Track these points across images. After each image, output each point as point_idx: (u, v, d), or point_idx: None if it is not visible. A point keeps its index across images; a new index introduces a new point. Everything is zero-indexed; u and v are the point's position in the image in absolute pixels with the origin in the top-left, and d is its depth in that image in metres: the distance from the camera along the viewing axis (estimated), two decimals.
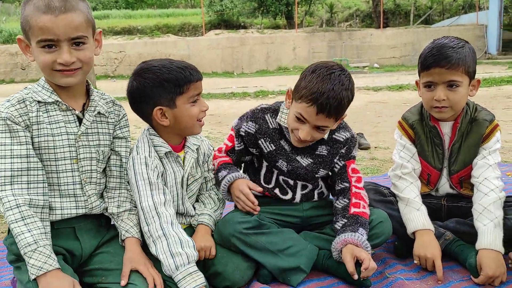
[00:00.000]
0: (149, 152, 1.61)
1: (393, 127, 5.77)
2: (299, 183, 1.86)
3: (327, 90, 1.59)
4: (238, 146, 1.85)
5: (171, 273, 1.45)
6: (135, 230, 1.58)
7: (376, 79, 12.05)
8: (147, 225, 1.51)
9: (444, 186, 1.95)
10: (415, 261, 1.74)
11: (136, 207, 1.59)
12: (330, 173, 1.90)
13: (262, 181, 1.87)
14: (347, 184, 1.82)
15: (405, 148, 1.96)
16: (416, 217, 1.79)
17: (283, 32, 19.17)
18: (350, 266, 1.56)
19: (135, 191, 1.56)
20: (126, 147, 1.66)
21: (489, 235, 1.66)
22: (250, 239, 1.63)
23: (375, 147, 4.19)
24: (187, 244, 1.48)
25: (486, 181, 1.78)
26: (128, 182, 1.64)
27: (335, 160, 1.83)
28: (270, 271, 1.64)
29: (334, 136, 1.81)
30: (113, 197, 1.63)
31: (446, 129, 1.90)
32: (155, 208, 1.52)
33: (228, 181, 1.76)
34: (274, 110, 1.83)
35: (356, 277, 1.55)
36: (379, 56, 18.17)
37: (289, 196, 1.86)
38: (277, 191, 1.86)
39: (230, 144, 1.87)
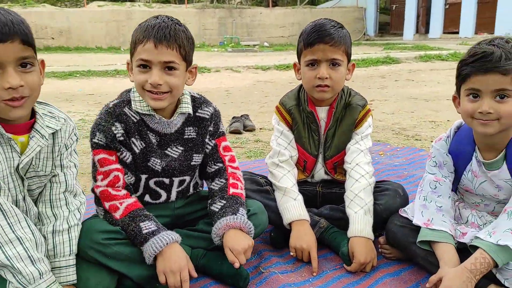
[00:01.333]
0: None
1: None
2: (176, 180, 1.67)
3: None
4: (125, 157, 1.55)
5: (28, 285, 1.22)
6: None
7: (265, 58, 12.20)
8: None
9: (320, 172, 1.93)
10: (291, 253, 1.70)
11: None
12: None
13: None
14: (221, 165, 1.70)
15: (283, 135, 1.90)
16: (293, 208, 1.74)
17: (172, 7, 18.52)
18: (230, 255, 1.46)
19: None
20: None
21: (359, 223, 1.67)
22: (111, 249, 1.42)
23: (260, 129, 4.17)
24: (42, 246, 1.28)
25: (358, 167, 1.80)
26: None
27: (206, 141, 1.69)
28: (135, 281, 1.47)
29: (197, 114, 1.66)
30: None
31: (322, 114, 1.88)
32: None
33: (161, 246, 1.41)
34: (127, 102, 1.57)
35: (237, 265, 1.44)
36: (268, 34, 18.47)
37: (163, 198, 1.68)
38: (147, 197, 1.66)
39: (115, 167, 1.51)
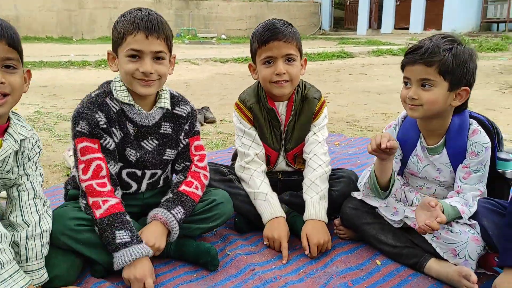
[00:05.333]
0: None
1: None
2: (148, 173, 1.73)
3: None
4: (108, 143, 1.59)
5: None
6: None
7: (223, 50, 12.24)
8: None
9: (281, 164, 2.05)
10: (264, 242, 1.81)
11: None
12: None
13: None
14: (188, 163, 1.79)
15: (246, 134, 1.98)
16: (265, 210, 1.83)
17: None
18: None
19: None
20: None
21: (314, 207, 1.81)
22: (83, 236, 1.49)
23: (221, 121, 4.26)
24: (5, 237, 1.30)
25: (315, 157, 1.93)
26: None
27: (180, 138, 1.76)
28: (105, 267, 1.54)
29: (175, 111, 1.74)
30: None
31: (281, 109, 1.98)
32: None
33: (129, 260, 1.46)
34: (109, 92, 1.63)
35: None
36: (226, 27, 18.47)
37: (133, 189, 1.73)
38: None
39: (97, 156, 1.55)
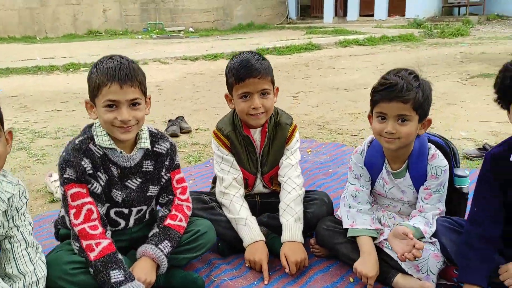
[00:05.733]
0: None
1: (212, 103, 6.01)
2: (134, 210, 1.83)
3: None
4: (95, 188, 1.69)
5: None
6: None
7: (192, 45, 12.21)
8: None
9: (258, 186, 2.19)
10: (246, 264, 1.95)
11: None
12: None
13: None
14: (171, 197, 1.89)
15: (224, 160, 2.11)
16: (246, 234, 1.97)
17: None
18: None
19: None
20: None
21: (290, 229, 1.97)
22: (79, 278, 1.59)
23: (196, 129, 4.34)
24: None
25: (290, 180, 2.08)
26: None
27: (162, 174, 1.87)
28: None
29: (155, 149, 1.84)
30: None
31: (256, 135, 2.12)
32: None
33: None
34: (91, 138, 1.72)
35: None
36: (193, 20, 18.31)
37: (121, 226, 1.84)
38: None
39: (87, 200, 1.64)
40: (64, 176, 1.65)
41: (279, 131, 2.13)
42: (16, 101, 5.92)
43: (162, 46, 12.11)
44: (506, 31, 13.24)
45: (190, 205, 1.94)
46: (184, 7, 18.17)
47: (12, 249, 1.51)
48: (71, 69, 8.29)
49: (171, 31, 16.71)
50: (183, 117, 4.42)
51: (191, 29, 17.64)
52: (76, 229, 1.63)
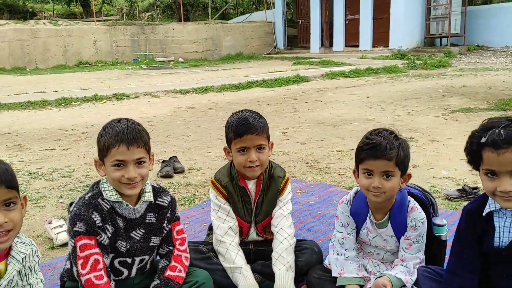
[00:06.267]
0: None
1: (203, 141, 6.13)
2: (137, 259, 1.96)
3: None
4: (103, 240, 1.81)
5: None
6: None
7: (182, 76, 12.45)
8: None
9: (252, 234, 2.34)
10: None
11: None
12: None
13: None
14: (171, 247, 2.03)
15: (221, 208, 2.26)
16: (241, 282, 2.10)
17: (80, 24, 17.95)
18: None
19: None
20: None
21: (283, 278, 2.11)
22: None
23: (189, 169, 4.46)
24: None
25: (282, 230, 2.23)
26: None
27: (164, 225, 2.01)
28: None
29: (157, 202, 1.99)
30: None
31: (251, 186, 2.28)
32: None
33: None
34: (100, 194, 1.87)
35: None
36: (182, 50, 18.67)
37: (124, 275, 1.96)
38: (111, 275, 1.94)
39: (94, 251, 1.77)
40: (74, 229, 1.79)
41: (272, 183, 2.30)
42: (10, 139, 6.00)
43: (152, 78, 12.32)
44: (486, 61, 13.77)
45: (188, 255, 2.07)
46: (174, 38, 18.54)
47: None
48: (63, 104, 8.41)
49: (161, 61, 16.99)
50: (176, 157, 4.55)
51: (180, 59, 17.96)
52: (83, 278, 1.76)
